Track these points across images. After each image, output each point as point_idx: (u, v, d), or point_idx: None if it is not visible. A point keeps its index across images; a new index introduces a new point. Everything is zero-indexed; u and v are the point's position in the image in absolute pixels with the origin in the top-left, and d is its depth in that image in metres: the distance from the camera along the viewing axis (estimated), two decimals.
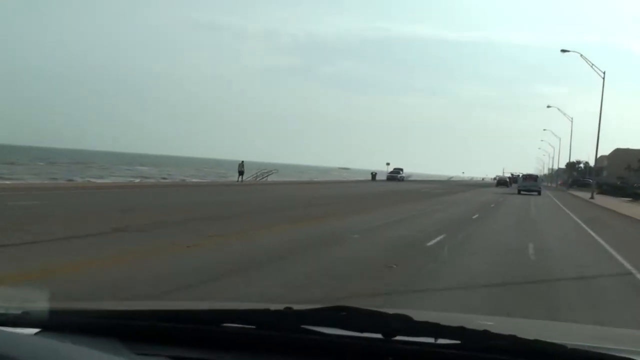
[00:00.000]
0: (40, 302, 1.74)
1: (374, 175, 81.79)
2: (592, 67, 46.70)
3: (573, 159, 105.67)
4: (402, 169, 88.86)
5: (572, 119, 78.25)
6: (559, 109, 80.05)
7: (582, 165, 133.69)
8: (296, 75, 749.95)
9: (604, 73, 47.41)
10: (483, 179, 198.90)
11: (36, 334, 1.63)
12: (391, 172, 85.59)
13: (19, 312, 1.69)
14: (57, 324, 1.67)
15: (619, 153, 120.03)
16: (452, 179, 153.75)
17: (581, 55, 47.53)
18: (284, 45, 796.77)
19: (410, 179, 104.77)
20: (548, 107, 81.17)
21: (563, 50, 49.92)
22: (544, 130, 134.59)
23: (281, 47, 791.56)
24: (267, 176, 59.22)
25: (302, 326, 1.58)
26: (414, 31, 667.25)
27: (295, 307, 1.73)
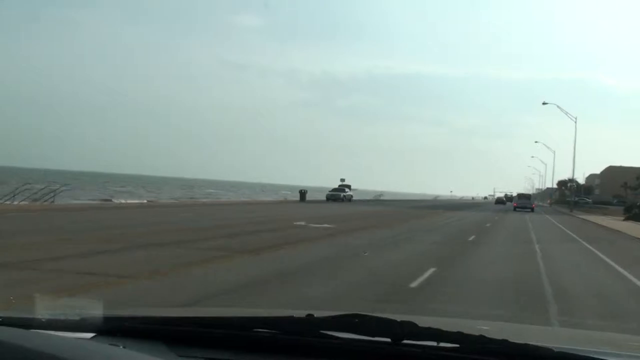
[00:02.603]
0: (95, 310, 1.97)
1: (303, 193, 60.30)
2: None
3: (561, 178, 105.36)
4: (349, 186, 68.31)
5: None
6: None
7: (573, 184, 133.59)
8: (314, 108, 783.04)
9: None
10: (473, 199, 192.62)
11: (92, 338, 1.84)
12: (332, 191, 64.42)
13: (77, 318, 1.90)
14: (110, 328, 1.88)
15: (611, 171, 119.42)
16: (439, 198, 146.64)
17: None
18: (304, 82, 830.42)
19: (381, 198, 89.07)
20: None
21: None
22: (536, 142, 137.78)
23: (301, 84, 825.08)
24: (51, 196, 34.40)
25: (321, 331, 1.79)
26: (414, 69, 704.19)
27: (316, 314, 1.96)
